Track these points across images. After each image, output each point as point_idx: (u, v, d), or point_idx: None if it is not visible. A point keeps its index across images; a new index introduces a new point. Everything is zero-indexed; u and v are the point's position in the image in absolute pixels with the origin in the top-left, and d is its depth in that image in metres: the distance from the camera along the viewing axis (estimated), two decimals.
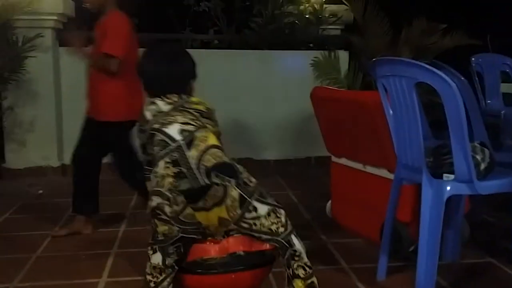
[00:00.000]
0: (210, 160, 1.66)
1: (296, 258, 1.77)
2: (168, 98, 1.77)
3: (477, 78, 3.26)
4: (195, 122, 1.71)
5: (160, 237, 1.69)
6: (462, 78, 2.36)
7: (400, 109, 2.06)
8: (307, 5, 5.19)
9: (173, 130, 1.69)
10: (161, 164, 1.67)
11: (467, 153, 1.90)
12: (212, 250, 1.67)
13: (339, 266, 2.49)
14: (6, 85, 4.33)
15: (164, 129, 1.69)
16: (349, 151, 2.90)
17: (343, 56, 4.88)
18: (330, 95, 2.99)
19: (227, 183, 1.66)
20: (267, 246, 1.71)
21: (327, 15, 5.19)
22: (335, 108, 2.87)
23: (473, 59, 3.00)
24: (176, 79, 1.83)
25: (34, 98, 4.48)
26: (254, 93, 4.85)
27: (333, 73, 4.60)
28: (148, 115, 1.76)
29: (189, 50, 1.91)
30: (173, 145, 1.67)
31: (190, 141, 1.67)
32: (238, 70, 4.88)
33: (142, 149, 1.81)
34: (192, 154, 1.66)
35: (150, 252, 1.72)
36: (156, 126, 1.71)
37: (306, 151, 4.90)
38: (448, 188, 1.94)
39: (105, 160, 3.06)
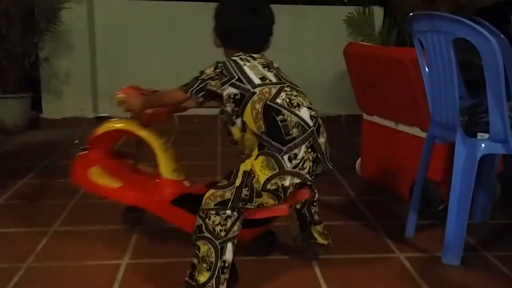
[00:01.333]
0: (328, 147, 1.70)
1: (315, 204, 1.95)
2: (256, 58, 1.70)
3: None
4: (312, 106, 1.70)
5: (250, 206, 1.62)
6: (502, 36, 2.28)
7: (437, 66, 2.02)
8: None
9: (306, 115, 1.65)
10: (303, 148, 1.61)
11: (504, 112, 1.87)
12: None
13: (368, 222, 2.51)
14: (43, 36, 4.41)
15: (297, 112, 1.63)
16: (381, 108, 2.88)
17: (378, 12, 4.76)
18: (364, 52, 2.95)
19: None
20: None
21: None
22: (368, 65, 2.83)
23: None
24: (265, 34, 1.76)
25: (69, 50, 4.56)
26: (285, 48, 4.77)
27: (367, 29, 4.51)
28: (254, 78, 1.64)
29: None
30: (309, 130, 1.64)
31: (318, 128, 1.67)
32: None
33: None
34: (321, 141, 1.67)
35: (227, 212, 1.62)
36: (283, 103, 1.62)
37: (336, 108, 4.88)
38: (482, 147, 1.92)
39: None
